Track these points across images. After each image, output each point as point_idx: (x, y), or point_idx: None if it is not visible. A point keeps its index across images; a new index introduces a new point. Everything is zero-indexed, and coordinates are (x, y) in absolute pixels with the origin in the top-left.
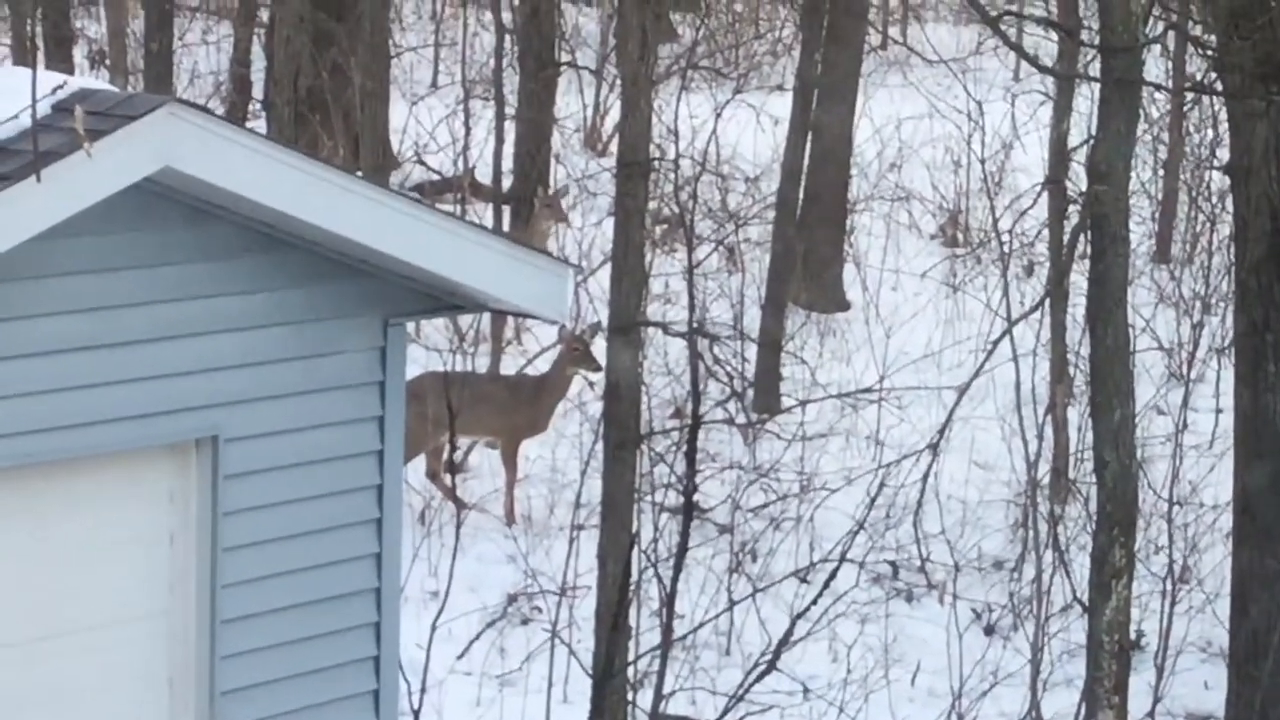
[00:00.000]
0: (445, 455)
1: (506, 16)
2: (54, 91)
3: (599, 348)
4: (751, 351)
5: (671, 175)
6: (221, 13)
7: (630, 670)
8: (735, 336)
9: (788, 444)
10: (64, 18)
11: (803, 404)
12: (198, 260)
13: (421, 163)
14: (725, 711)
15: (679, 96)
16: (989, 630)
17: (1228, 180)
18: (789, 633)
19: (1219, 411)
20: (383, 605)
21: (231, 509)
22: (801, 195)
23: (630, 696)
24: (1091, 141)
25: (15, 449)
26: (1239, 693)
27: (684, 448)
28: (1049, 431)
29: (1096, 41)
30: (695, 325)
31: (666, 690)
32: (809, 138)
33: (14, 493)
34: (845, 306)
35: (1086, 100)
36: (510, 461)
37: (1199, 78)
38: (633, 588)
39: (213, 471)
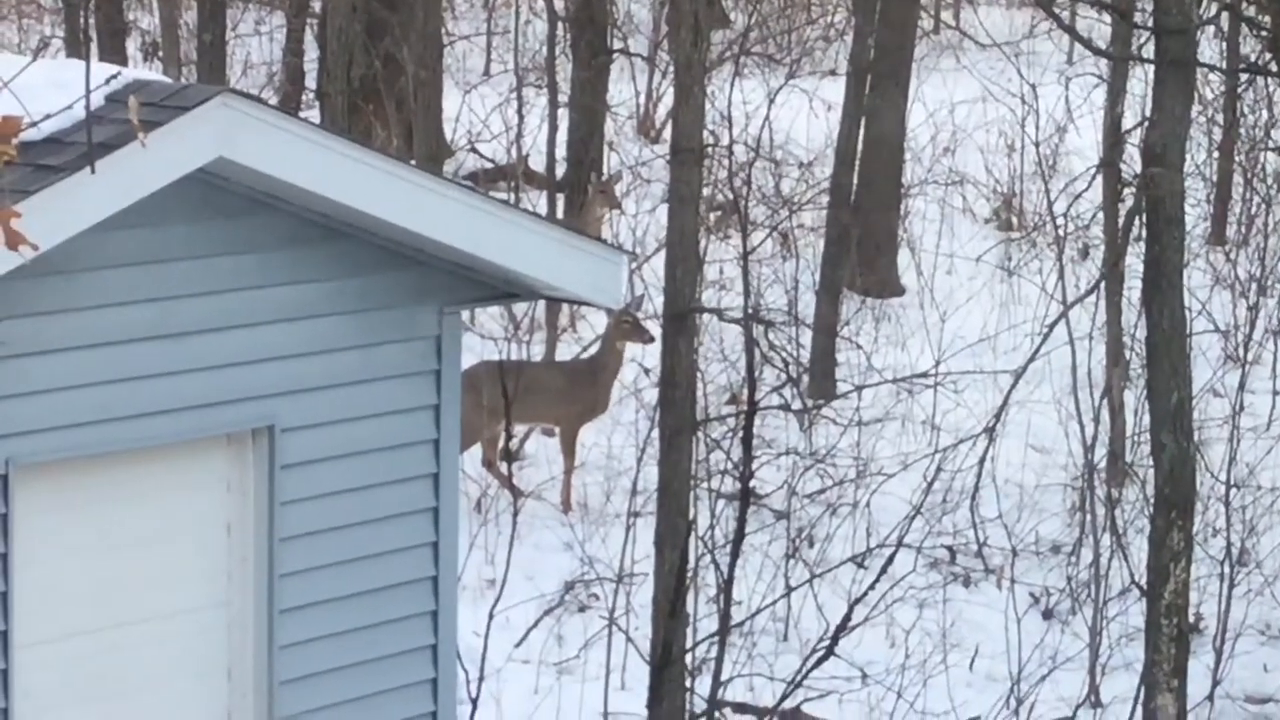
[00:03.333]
0: (501, 444)
1: (559, 4)
2: (107, 82)
3: (646, 320)
4: (806, 337)
5: (725, 161)
6: (274, 3)
7: (688, 657)
8: (790, 322)
9: (844, 429)
10: (117, 10)
11: (859, 389)
12: (252, 250)
13: (475, 151)
14: (783, 697)
15: (732, 82)
16: (1047, 614)
17: None
18: (846, 618)
19: (1276, 393)
20: (440, 594)
21: (288, 499)
22: (855, 180)
23: (688, 683)
24: (1146, 124)
25: (73, 440)
26: None
27: (740, 434)
28: (1105, 415)
29: (1150, 23)
30: (750, 311)
31: (724, 676)
32: (862, 123)
33: (72, 484)
34: (900, 291)
35: (1141, 82)
36: (570, 448)
37: (1253, 58)
38: (690, 574)
39: (269, 461)
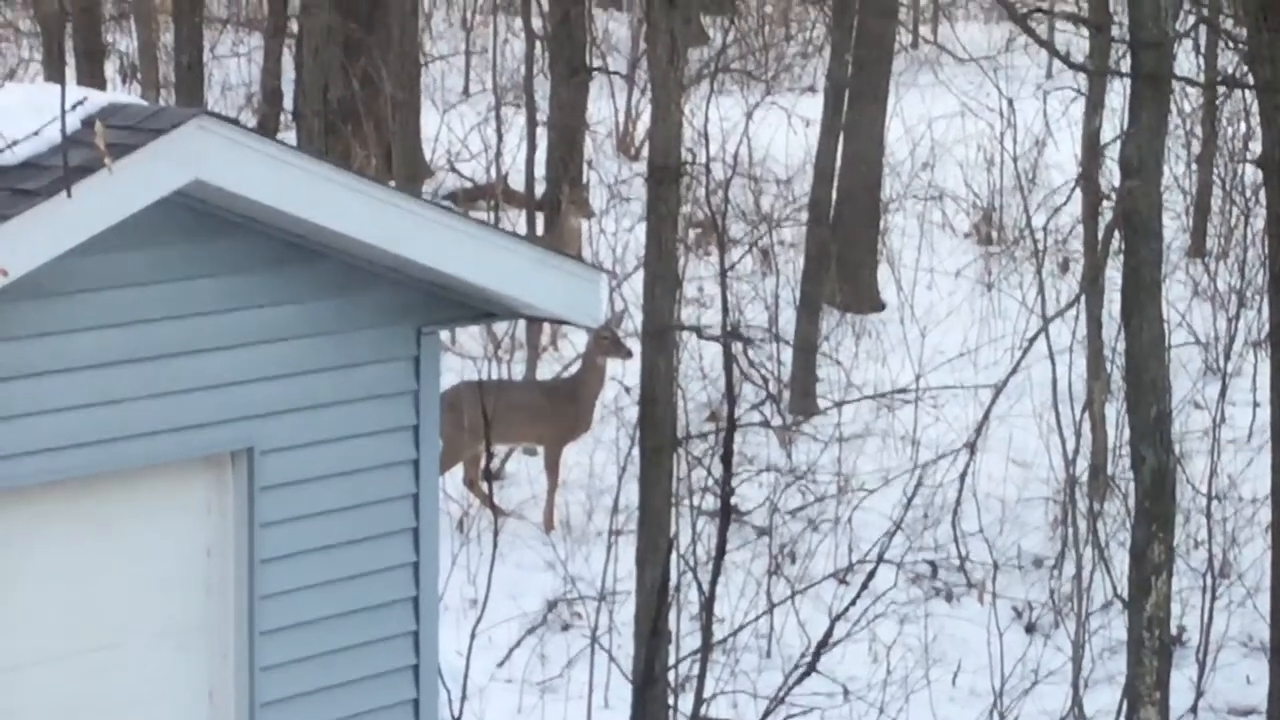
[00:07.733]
0: (482, 463)
1: (537, 23)
2: (74, 107)
3: (626, 337)
4: (786, 354)
5: (703, 179)
6: (252, 25)
7: (671, 675)
8: (770, 339)
9: (824, 445)
10: (95, 32)
11: (839, 405)
12: (230, 273)
13: (454, 171)
14: (766, 714)
15: (710, 100)
16: (1029, 628)
17: (1261, 173)
18: (828, 634)
19: (1256, 405)
20: (421, 614)
21: (268, 520)
22: (834, 196)
23: (671, 701)
24: (1123, 137)
25: (51, 464)
26: None
27: (720, 451)
28: (1086, 428)
29: (1127, 37)
30: (730, 328)
31: (707, 694)
32: (841, 138)
33: (51, 508)
34: (880, 307)
35: (1118, 96)
36: (553, 468)
37: (1230, 71)
38: (672, 592)
39: (249, 483)
